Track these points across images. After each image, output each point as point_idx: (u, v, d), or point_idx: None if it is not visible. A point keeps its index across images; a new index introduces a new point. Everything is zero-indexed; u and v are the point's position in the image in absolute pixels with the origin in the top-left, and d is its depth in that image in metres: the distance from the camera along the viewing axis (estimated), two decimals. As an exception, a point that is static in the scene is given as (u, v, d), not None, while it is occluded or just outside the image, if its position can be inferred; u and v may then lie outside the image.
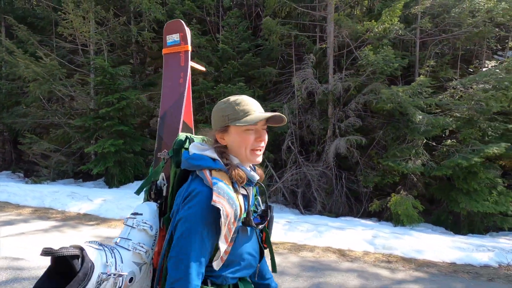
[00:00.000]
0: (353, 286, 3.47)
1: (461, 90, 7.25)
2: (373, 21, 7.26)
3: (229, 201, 1.01)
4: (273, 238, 4.32)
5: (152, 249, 1.19)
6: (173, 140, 1.31)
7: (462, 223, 7.04)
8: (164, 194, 1.32)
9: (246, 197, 1.14)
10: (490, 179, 6.71)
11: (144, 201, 1.32)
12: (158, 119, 1.54)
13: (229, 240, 1.04)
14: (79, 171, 10.61)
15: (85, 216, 5.72)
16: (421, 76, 6.92)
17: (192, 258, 0.98)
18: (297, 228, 5.25)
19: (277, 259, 3.87)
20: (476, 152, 6.32)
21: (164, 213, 1.26)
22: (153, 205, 1.25)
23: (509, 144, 6.61)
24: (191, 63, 1.58)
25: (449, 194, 6.88)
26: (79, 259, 0.93)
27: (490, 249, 4.65)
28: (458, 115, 7.18)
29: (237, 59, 9.27)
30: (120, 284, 1.03)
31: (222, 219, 0.98)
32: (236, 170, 1.09)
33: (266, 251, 1.26)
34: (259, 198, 1.27)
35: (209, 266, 1.04)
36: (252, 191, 1.19)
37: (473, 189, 6.48)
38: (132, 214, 1.21)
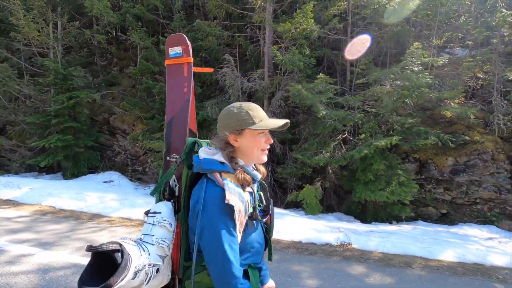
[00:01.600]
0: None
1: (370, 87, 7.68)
2: (287, 22, 7.73)
3: (239, 198, 1.18)
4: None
5: (171, 243, 1.31)
6: (181, 144, 1.51)
7: (368, 212, 7.49)
8: (176, 194, 1.43)
9: (251, 194, 1.30)
10: (392, 169, 7.15)
11: (156, 201, 1.43)
12: (165, 125, 1.67)
13: (240, 231, 1.20)
14: (45, 165, 11.42)
15: (7, 201, 6.40)
16: (321, 74, 7.33)
17: (225, 251, 1.13)
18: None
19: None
20: (369, 144, 6.77)
21: (178, 211, 1.38)
22: (169, 204, 1.37)
23: (401, 137, 7.03)
24: (199, 69, 1.76)
25: (352, 184, 7.34)
26: (119, 253, 1.05)
27: (342, 231, 5.14)
28: (367, 110, 7.64)
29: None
30: (151, 274, 1.18)
31: (236, 215, 1.15)
32: (242, 174, 1.25)
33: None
34: (261, 194, 1.42)
35: None
36: (255, 188, 1.35)
37: (369, 180, 6.93)
38: (151, 213, 1.33)
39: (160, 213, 1.31)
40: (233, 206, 1.14)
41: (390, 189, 6.88)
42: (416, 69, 7.28)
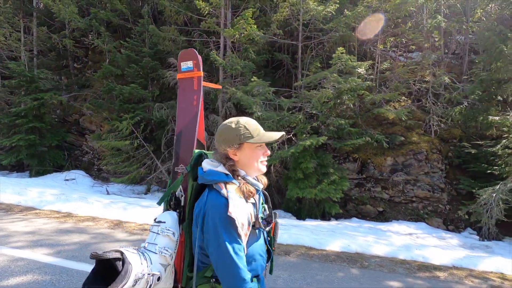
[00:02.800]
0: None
1: (310, 89, 8.05)
2: (230, 28, 8.12)
3: (242, 211, 1.21)
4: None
5: (174, 252, 1.34)
6: (188, 156, 1.55)
7: (303, 209, 7.83)
8: (182, 204, 1.47)
9: (254, 204, 1.33)
10: (324, 168, 7.50)
11: (163, 210, 1.47)
12: (174, 136, 1.69)
13: (244, 243, 1.22)
14: (16, 164, 11.88)
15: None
16: (255, 77, 7.72)
17: (232, 259, 1.15)
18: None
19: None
20: (297, 144, 7.12)
21: (183, 221, 1.41)
22: (174, 214, 1.40)
23: (335, 136, 7.37)
24: (208, 84, 1.82)
25: (287, 182, 7.69)
26: (120, 261, 1.09)
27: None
28: (309, 111, 8.00)
29: (138, 62, 10.28)
30: (151, 283, 1.19)
31: (239, 228, 1.18)
32: (245, 186, 1.30)
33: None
34: (265, 205, 1.44)
35: None
36: (259, 199, 1.38)
37: (299, 178, 7.28)
38: (156, 222, 1.37)
39: (164, 222, 1.35)
40: (234, 220, 1.17)
41: (320, 187, 7.21)
42: (359, 72, 7.64)
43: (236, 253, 1.17)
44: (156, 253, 1.27)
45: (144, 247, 1.29)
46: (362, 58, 9.60)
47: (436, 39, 8.14)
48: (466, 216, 7.38)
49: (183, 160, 1.60)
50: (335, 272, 3.82)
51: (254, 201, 1.32)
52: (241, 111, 9.18)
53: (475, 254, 4.92)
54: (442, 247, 5.42)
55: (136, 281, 1.12)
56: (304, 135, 7.45)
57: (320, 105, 7.20)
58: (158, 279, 1.25)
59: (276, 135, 1.36)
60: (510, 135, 7.41)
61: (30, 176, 10.56)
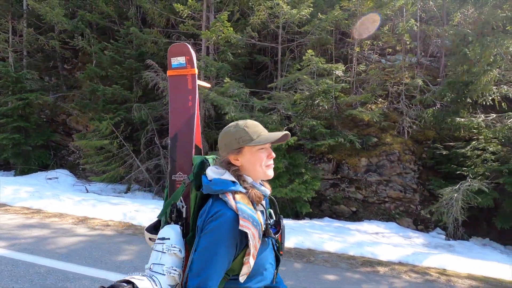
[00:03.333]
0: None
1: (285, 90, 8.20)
2: (207, 31, 8.29)
3: (253, 223, 1.13)
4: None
5: (182, 270, 1.25)
6: (186, 161, 1.45)
7: (277, 207, 7.96)
8: (184, 215, 1.36)
9: (262, 212, 1.27)
10: (297, 168, 7.64)
11: (163, 223, 1.37)
12: (168, 140, 1.57)
13: (255, 256, 1.15)
14: (3, 163, 12.10)
15: None
16: (227, 79, 7.87)
17: (211, 271, 1.09)
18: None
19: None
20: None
21: (186, 234, 1.32)
22: (177, 228, 1.30)
23: (308, 137, 7.52)
24: (198, 82, 1.69)
25: (259, 182, 7.84)
26: None
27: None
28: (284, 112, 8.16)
29: (122, 63, 10.47)
30: None
31: (250, 241, 1.10)
32: (253, 191, 1.22)
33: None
34: (271, 210, 1.39)
35: (235, 279, 1.16)
36: (266, 205, 1.33)
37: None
38: (159, 239, 1.26)
39: (168, 239, 1.25)
40: (247, 233, 1.10)
41: (291, 187, 7.34)
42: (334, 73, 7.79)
43: (220, 271, 1.11)
44: (164, 274, 1.18)
45: (150, 269, 1.20)
46: (340, 60, 9.75)
47: (408, 42, 8.29)
48: (436, 217, 7.50)
49: (181, 167, 1.49)
50: (279, 266, 3.97)
51: (262, 209, 1.27)
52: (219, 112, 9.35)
53: (424, 251, 5.05)
54: (397, 245, 5.54)
55: None
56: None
57: (291, 106, 7.35)
58: None
59: (276, 135, 1.26)
60: (480, 137, 7.54)
61: (15, 175, 10.75)
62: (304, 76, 7.21)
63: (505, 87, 7.41)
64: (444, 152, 7.95)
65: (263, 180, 1.35)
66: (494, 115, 7.24)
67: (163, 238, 1.25)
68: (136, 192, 9.59)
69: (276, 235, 1.32)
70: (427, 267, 4.28)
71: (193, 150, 1.51)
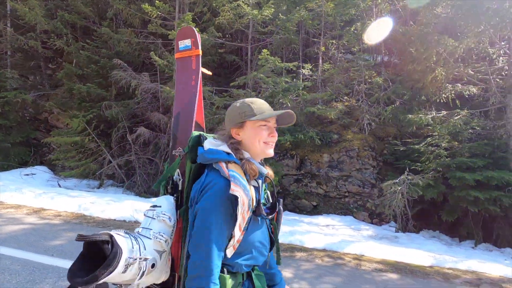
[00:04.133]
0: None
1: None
2: (172, 31, 8.58)
3: (244, 191, 1.12)
4: None
5: (170, 238, 1.26)
6: (186, 137, 1.45)
7: (275, 189, 8.25)
8: (179, 188, 1.40)
9: (257, 189, 1.25)
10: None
11: (161, 195, 1.40)
12: (172, 118, 1.64)
13: (242, 229, 1.14)
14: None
15: None
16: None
17: (212, 242, 1.09)
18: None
19: None
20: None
21: (180, 206, 1.34)
22: (170, 198, 1.33)
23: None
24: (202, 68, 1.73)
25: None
26: (109, 245, 1.02)
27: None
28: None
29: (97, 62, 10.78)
30: (144, 269, 1.11)
31: (239, 207, 1.09)
32: (248, 164, 1.22)
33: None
34: (268, 192, 1.39)
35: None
36: (262, 184, 1.30)
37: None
38: (152, 206, 1.30)
39: (160, 206, 1.28)
40: (237, 197, 1.10)
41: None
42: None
43: (217, 242, 1.11)
44: (150, 239, 1.19)
45: (138, 232, 1.22)
46: (307, 60, 10.01)
47: (365, 42, 8.54)
48: (380, 210, 7.77)
49: (181, 142, 1.55)
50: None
51: (257, 185, 1.26)
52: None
53: (354, 240, 5.30)
54: (327, 234, 5.80)
55: (126, 266, 1.05)
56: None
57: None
58: (153, 265, 1.17)
59: (279, 111, 1.28)
60: (434, 134, 7.78)
61: (-5, 171, 11.07)
62: (261, 75, 7.47)
63: (459, 85, 7.65)
64: (402, 148, 8.20)
65: (266, 165, 1.35)
66: (445, 112, 7.47)
67: (155, 206, 1.29)
68: (109, 188, 9.88)
69: (270, 216, 1.28)
70: (346, 253, 4.54)
71: (193, 127, 1.54)
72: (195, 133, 1.40)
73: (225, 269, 1.17)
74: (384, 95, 8.16)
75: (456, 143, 7.36)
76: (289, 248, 4.58)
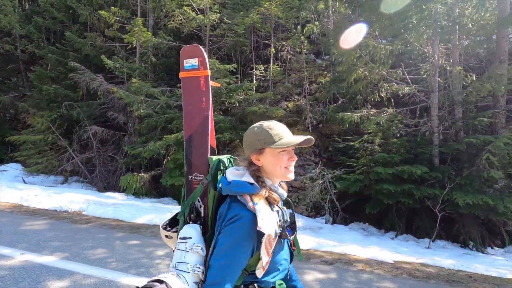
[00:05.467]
0: None
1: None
2: (126, 35, 9.12)
3: (270, 223, 1.18)
4: None
5: (204, 267, 1.27)
6: (202, 162, 1.50)
7: (293, 208, 8.73)
8: (202, 215, 1.41)
9: (279, 212, 1.29)
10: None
11: (182, 223, 1.41)
12: (184, 142, 1.62)
13: (270, 253, 1.19)
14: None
15: None
16: (136, 79, 8.67)
17: (228, 269, 1.15)
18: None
19: None
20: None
21: (205, 233, 1.36)
22: (197, 227, 1.35)
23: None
24: (214, 83, 1.75)
25: (163, 173, 8.62)
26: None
27: (95, 202, 6.45)
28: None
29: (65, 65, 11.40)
30: None
31: (266, 241, 1.15)
32: (270, 192, 1.26)
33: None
34: (285, 208, 1.38)
35: (253, 273, 1.23)
36: (283, 207, 1.34)
37: (172, 167, 8.20)
38: (181, 238, 1.31)
39: (190, 238, 1.29)
40: (263, 234, 1.14)
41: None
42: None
43: (235, 265, 1.17)
44: (189, 272, 1.23)
45: (175, 268, 1.25)
46: (259, 61, 10.48)
47: (305, 45, 8.99)
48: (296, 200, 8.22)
49: (196, 167, 1.54)
50: (112, 235, 4.83)
51: (278, 209, 1.30)
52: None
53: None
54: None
55: None
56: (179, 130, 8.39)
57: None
58: None
59: (298, 139, 1.29)
60: (370, 131, 8.18)
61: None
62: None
63: (395, 84, 8.04)
64: (341, 145, 8.61)
65: (280, 182, 1.39)
66: (375, 111, 7.87)
67: (185, 238, 1.30)
68: (74, 183, 10.47)
69: (292, 236, 1.34)
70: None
71: (209, 151, 1.54)
72: (214, 158, 1.43)
73: (255, 285, 1.26)
74: (328, 95, 8.59)
75: (383, 140, 7.75)
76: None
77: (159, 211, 6.40)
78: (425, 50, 7.26)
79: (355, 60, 6.85)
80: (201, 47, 1.66)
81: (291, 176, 1.31)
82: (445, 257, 5.42)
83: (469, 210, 6.07)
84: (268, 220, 1.17)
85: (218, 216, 1.26)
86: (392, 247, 5.84)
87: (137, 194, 8.50)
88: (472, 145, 6.32)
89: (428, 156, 7.08)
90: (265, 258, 1.18)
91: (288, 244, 1.36)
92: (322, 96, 8.71)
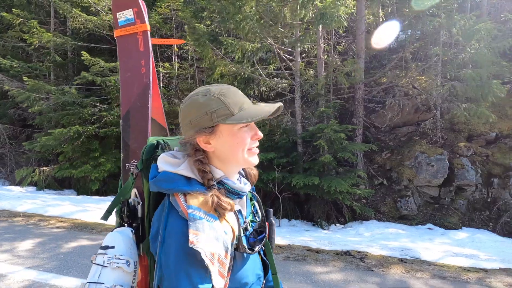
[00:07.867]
0: None
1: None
2: (26, 35, 9.57)
3: (212, 236, 0.81)
4: None
5: (132, 286, 0.97)
6: (141, 145, 1.14)
7: (261, 203, 9.15)
8: (139, 214, 1.06)
9: (239, 211, 0.94)
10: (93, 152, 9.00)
11: (116, 226, 1.07)
12: (120, 121, 1.28)
13: (225, 274, 0.83)
14: None
15: None
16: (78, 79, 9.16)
17: None
18: None
19: None
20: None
21: (143, 238, 1.03)
22: (126, 232, 1.01)
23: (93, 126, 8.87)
24: (162, 40, 1.50)
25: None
26: None
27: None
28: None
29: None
30: None
31: (207, 262, 0.78)
32: (216, 196, 0.84)
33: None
34: (255, 203, 1.05)
35: None
36: (246, 204, 0.99)
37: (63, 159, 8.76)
38: (102, 248, 0.96)
39: (113, 247, 0.96)
40: (199, 253, 0.77)
41: (82, 169, 8.70)
42: None
43: None
44: None
45: None
46: (164, 59, 11.07)
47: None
48: None
49: (134, 152, 1.24)
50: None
51: (238, 207, 0.94)
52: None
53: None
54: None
55: None
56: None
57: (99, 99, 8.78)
58: None
59: (269, 108, 0.90)
60: (268, 127, 8.80)
61: None
62: (87, 75, 8.55)
63: (275, 79, 8.74)
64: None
65: (245, 168, 1.05)
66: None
67: (106, 247, 0.97)
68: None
69: (257, 247, 0.95)
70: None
71: (149, 128, 1.24)
72: (151, 139, 1.01)
73: None
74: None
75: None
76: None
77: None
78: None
79: (210, 56, 7.45)
80: None
81: (255, 160, 0.94)
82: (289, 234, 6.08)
83: (305, 191, 6.84)
84: (211, 231, 0.81)
85: (152, 220, 0.92)
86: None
87: (39, 187, 9.04)
88: (312, 133, 7.11)
89: (291, 145, 7.74)
90: (218, 283, 0.81)
91: (259, 254, 1.04)
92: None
